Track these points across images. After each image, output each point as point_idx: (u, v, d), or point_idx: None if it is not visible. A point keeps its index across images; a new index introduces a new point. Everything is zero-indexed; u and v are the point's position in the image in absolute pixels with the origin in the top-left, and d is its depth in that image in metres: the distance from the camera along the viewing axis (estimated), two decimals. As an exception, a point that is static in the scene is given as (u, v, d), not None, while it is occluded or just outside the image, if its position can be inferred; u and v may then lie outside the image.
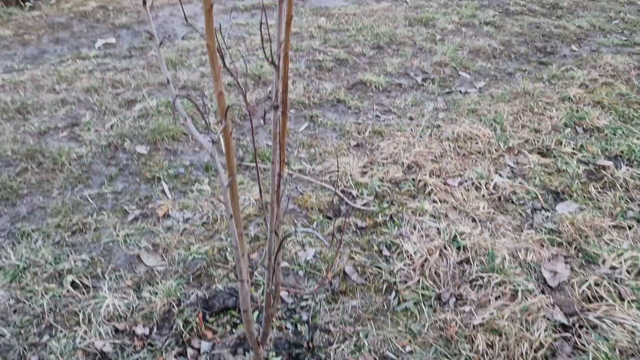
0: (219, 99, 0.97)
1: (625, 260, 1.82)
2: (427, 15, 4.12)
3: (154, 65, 3.26)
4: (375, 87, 3.10)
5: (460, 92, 3.10)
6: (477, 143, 2.51)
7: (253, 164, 2.42)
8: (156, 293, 1.71)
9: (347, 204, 2.17)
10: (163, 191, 2.26)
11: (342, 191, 2.24)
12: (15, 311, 1.68)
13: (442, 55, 3.47)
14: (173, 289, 1.72)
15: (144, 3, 0.89)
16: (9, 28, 3.75)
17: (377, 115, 2.83)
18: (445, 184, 2.25)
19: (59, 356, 1.52)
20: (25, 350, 1.54)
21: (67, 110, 2.75)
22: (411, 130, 2.65)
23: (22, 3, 4.23)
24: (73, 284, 1.78)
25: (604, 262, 1.83)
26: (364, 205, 2.16)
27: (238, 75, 3.12)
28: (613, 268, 1.81)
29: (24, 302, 1.71)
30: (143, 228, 2.03)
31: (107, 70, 3.18)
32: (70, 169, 2.33)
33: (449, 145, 2.49)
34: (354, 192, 2.22)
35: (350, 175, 2.30)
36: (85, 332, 1.60)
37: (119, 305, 1.67)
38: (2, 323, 1.63)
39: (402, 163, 2.38)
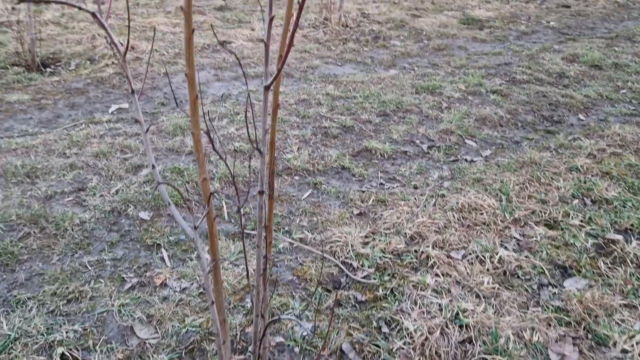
0: (203, 185, 0.99)
1: (637, 343, 1.74)
2: (434, 83, 4.22)
3: (164, 130, 3.35)
4: (381, 154, 3.14)
5: (466, 160, 3.12)
6: (482, 214, 2.49)
7: (254, 232, 2.42)
8: (145, 369, 1.67)
9: (347, 275, 2.14)
10: (162, 258, 2.26)
11: (343, 262, 2.22)
12: (0, 385, 1.64)
13: (448, 123, 3.53)
14: (163, 365, 1.68)
15: (132, 92, 0.93)
16: (27, 93, 3.92)
17: (381, 183, 2.85)
18: (448, 256, 2.21)
19: None
20: None
21: (74, 175, 2.81)
22: (415, 199, 2.64)
23: (42, 69, 4.43)
24: (63, 356, 1.75)
25: (614, 344, 1.76)
26: (365, 277, 2.13)
27: (247, 141, 3.18)
28: (625, 351, 1.73)
29: (10, 376, 1.67)
30: (139, 297, 2.01)
31: (117, 135, 3.27)
32: (72, 235, 2.35)
33: (453, 216, 2.47)
34: (355, 264, 2.19)
35: (352, 245, 2.28)
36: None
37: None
38: (-14, 398, 1.60)
39: (405, 234, 2.36)
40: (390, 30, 5.73)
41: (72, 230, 2.39)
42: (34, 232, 2.36)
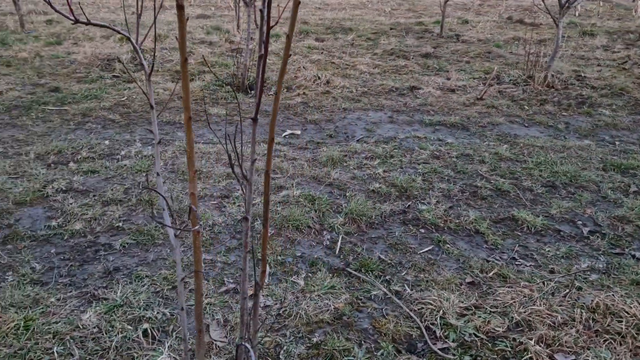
0: (192, 199, 1.09)
1: None
2: (632, 162, 3.65)
3: (316, 160, 3.60)
4: (528, 227, 2.85)
5: (634, 257, 2.63)
6: (620, 322, 2.08)
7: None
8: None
9: (426, 342, 2.01)
10: (264, 272, 2.43)
11: (427, 327, 2.09)
12: (93, 339, 1.99)
13: (629, 210, 3.02)
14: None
15: (152, 107, 1.08)
16: (226, 109, 4.61)
17: (513, 258, 2.59)
18: (551, 357, 1.91)
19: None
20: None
21: (227, 183, 3.22)
22: (543, 284, 2.34)
23: (248, 91, 5.16)
24: (145, 331, 2.03)
25: None
26: (443, 350, 1.97)
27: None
28: None
29: (102, 333, 2.01)
30: (227, 302, 2.21)
31: (278, 157, 3.63)
32: (202, 233, 2.70)
33: (581, 315, 2.12)
34: (439, 332, 2.05)
35: (445, 313, 2.13)
36: (128, 378, 1.80)
37: (161, 364, 1.83)
38: (80, 345, 1.95)
39: (512, 318, 2.11)
40: (602, 97, 5.14)
41: (204, 229, 2.74)
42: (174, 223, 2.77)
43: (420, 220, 2.90)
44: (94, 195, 3.03)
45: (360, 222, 2.86)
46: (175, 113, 4.46)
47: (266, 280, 2.40)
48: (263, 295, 2.29)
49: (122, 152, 3.64)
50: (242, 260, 1.15)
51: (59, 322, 2.06)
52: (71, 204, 2.93)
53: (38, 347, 1.92)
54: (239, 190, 3.15)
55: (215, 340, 2.04)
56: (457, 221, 2.88)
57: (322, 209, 2.97)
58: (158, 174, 1.21)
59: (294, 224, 2.81)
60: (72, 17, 1.02)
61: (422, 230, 2.81)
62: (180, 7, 0.88)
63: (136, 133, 3.99)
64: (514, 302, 2.21)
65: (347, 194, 3.15)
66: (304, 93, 5.11)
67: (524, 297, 2.24)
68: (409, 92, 5.21)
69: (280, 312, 2.18)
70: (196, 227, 1.15)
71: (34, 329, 2.01)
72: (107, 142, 3.81)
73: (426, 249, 2.65)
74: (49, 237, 2.64)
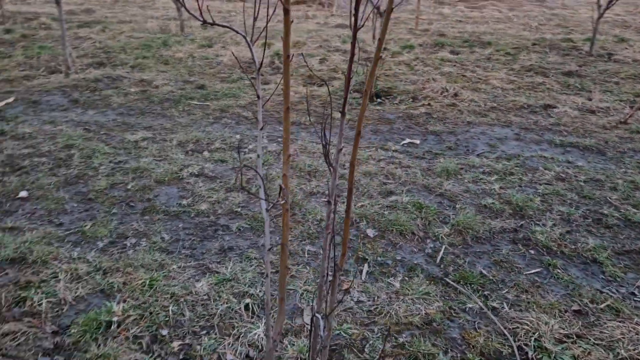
0: (284, 179, 1.23)
1: None
2: None
3: (431, 170, 3.61)
4: (657, 263, 2.61)
5: None
6: None
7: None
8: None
9: (515, 362, 1.96)
10: (361, 271, 2.54)
11: (519, 347, 2.03)
12: (202, 304, 2.25)
13: None
14: None
15: (258, 97, 1.24)
16: (350, 114, 4.79)
17: (632, 292, 2.39)
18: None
19: (202, 354, 1.98)
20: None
21: (339, 184, 3.37)
22: (662, 324, 2.14)
23: (374, 98, 5.31)
24: (247, 306, 2.24)
25: None
26: (533, 372, 1.91)
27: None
28: None
29: (210, 301, 2.26)
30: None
31: (392, 163, 3.71)
32: (310, 227, 2.88)
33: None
34: (531, 354, 1.98)
35: (541, 336, 2.06)
36: (228, 344, 2.02)
37: (257, 347, 2.03)
38: (190, 308, 2.21)
39: (617, 353, 1.98)
40: None
41: (311, 223, 2.92)
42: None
43: (532, 240, 2.79)
44: (220, 182, 3.37)
45: (466, 235, 2.84)
46: (302, 115, 4.75)
47: (363, 278, 2.50)
48: (357, 291, 2.39)
49: (250, 146, 3.98)
50: (324, 246, 1.28)
51: (177, 285, 2.35)
52: (200, 187, 3.29)
53: (157, 304, 2.22)
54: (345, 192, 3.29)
55: (306, 324, 2.18)
56: (572, 247, 2.73)
57: (429, 217, 3.00)
58: (259, 156, 1.38)
59: (399, 229, 2.87)
60: (201, 18, 1.22)
61: (532, 252, 2.71)
62: (286, 12, 1.03)
63: (264, 130, 4.33)
64: (623, 337, 2.06)
65: (457, 206, 3.13)
66: (429, 104, 5.12)
67: (637, 334, 2.08)
68: (541, 110, 4.97)
69: (372, 309, 2.27)
70: (281, 202, 1.29)
71: (156, 288, 2.32)
72: (238, 136, 4.19)
73: (533, 271, 2.55)
74: (178, 214, 3.00)
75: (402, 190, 3.31)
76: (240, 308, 2.22)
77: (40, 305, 2.20)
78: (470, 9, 13.20)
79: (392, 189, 3.33)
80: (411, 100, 5.27)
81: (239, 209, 3.06)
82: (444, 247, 2.75)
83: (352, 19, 1.09)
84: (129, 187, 3.27)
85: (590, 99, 5.29)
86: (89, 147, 3.80)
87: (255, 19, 1.28)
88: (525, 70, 6.56)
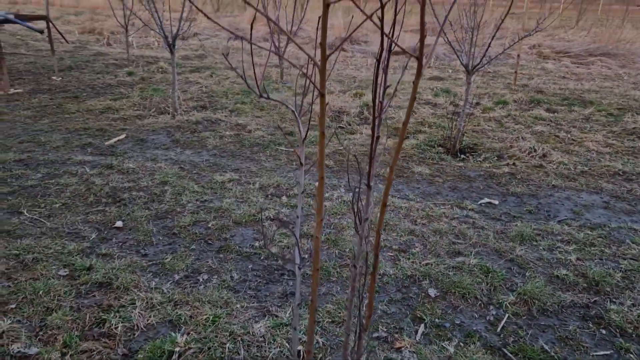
0: (315, 242, 1.34)
1: None
2: None
3: (505, 233, 3.53)
4: None
5: None
6: None
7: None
8: None
9: None
10: (417, 331, 2.55)
11: None
12: (257, 345, 2.37)
13: None
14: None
15: (301, 165, 1.38)
16: (431, 169, 4.82)
17: None
18: None
19: None
20: None
21: (407, 239, 3.41)
22: None
23: (458, 154, 5.29)
24: (298, 353, 2.33)
25: None
26: None
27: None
28: None
29: (265, 343, 2.38)
30: (375, 346, 2.39)
31: (465, 223, 3.68)
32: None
33: None
34: None
35: None
36: None
37: None
38: (246, 348, 2.35)
39: None
40: None
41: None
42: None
43: (604, 319, 2.64)
44: (292, 226, 3.55)
45: (532, 306, 2.75)
46: (381, 166, 4.85)
47: (417, 338, 2.50)
48: (409, 351, 2.40)
49: (326, 194, 4.14)
50: (348, 306, 1.35)
51: (237, 324, 2.51)
52: (274, 230, 3.48)
53: (216, 339, 2.39)
54: (417, 247, 3.31)
55: None
56: (650, 330, 2.54)
57: (495, 283, 2.93)
58: (298, 217, 1.51)
59: (461, 292, 2.85)
60: (258, 92, 1.39)
61: (604, 331, 2.56)
62: (322, 96, 1.16)
63: (343, 179, 4.48)
64: None
65: (527, 274, 3.04)
66: (513, 164, 5.01)
67: None
68: (638, 178, 4.67)
69: (420, 371, 2.27)
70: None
71: (218, 324, 2.49)
72: (316, 183, 4.38)
73: (602, 353, 2.41)
74: (250, 255, 3.20)
75: (471, 252, 3.27)
76: (292, 354, 2.32)
77: (116, 328, 2.45)
78: (577, 64, 12.73)
79: (461, 249, 3.31)
80: (496, 158, 5.19)
81: (306, 256, 3.20)
82: (506, 315, 2.68)
83: (374, 94, 1.20)
84: (209, 225, 3.54)
85: (698, 169, 4.89)
86: (181, 185, 4.17)
87: (304, 94, 1.43)
88: (627, 133, 6.21)
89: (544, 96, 8.28)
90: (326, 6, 1.04)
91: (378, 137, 1.30)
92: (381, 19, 1.00)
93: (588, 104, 7.80)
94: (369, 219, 1.47)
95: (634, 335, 2.53)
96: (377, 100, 1.19)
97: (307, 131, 1.48)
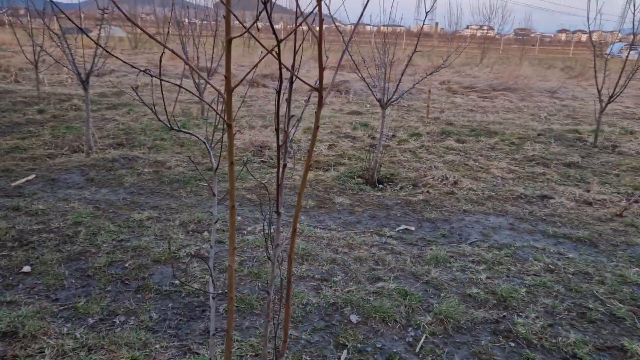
0: (229, 270, 1.35)
1: None
2: None
3: (421, 257, 3.69)
4: (638, 361, 2.58)
5: None
6: None
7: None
8: None
9: None
10: (339, 358, 2.57)
11: None
12: None
13: None
14: None
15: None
16: (351, 199, 4.96)
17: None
18: None
19: None
20: None
21: (329, 268, 3.46)
22: None
23: (376, 184, 5.48)
24: None
25: None
26: None
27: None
28: None
29: None
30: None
31: (384, 249, 3.80)
32: (295, 311, 2.95)
33: None
34: None
35: None
36: None
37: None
38: None
39: None
40: None
41: (297, 307, 2.98)
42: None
43: (513, 333, 2.80)
44: (215, 262, 3.49)
45: (447, 325, 2.87)
46: (307, 198, 4.92)
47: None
48: (332, 378, 2.42)
49: (249, 228, 4.12)
50: (264, 333, 1.36)
51: (156, 365, 2.41)
52: (194, 267, 3.42)
53: (134, 383, 2.28)
54: (339, 275, 3.37)
55: None
56: (553, 341, 2.73)
57: (413, 305, 3.04)
58: (211, 247, 1.52)
59: (382, 316, 2.92)
60: (169, 125, 1.41)
61: (512, 344, 2.71)
62: (229, 126, 1.20)
63: (266, 212, 4.49)
64: None
65: (442, 295, 3.17)
66: (427, 191, 5.26)
67: None
68: (538, 201, 5.06)
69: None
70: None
71: (135, 366, 2.39)
72: (239, 217, 4.36)
73: (511, 364, 2.55)
74: (170, 293, 3.11)
75: (390, 277, 3.37)
76: (213, 390, 2.26)
77: (22, 379, 2.28)
78: (483, 98, 13.68)
79: (381, 275, 3.40)
80: (412, 187, 5.42)
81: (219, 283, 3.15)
82: (424, 336, 2.77)
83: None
84: (126, 264, 3.41)
85: (588, 191, 5.38)
86: (96, 225, 3.99)
87: (215, 127, 1.46)
88: (527, 160, 6.73)
89: (454, 128, 8.81)
90: (228, 42, 1.09)
91: (285, 166, 1.35)
92: (278, 53, 1.06)
93: (493, 134, 8.38)
94: (279, 245, 1.51)
95: (538, 346, 2.70)
96: (279, 130, 1.24)
97: (219, 162, 1.50)
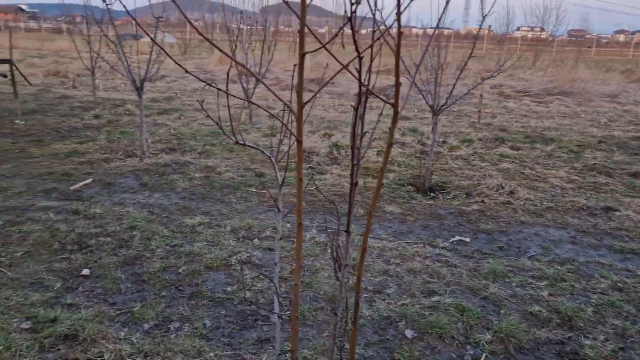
0: (294, 288, 1.32)
1: None
2: None
3: (478, 271, 3.57)
4: None
5: None
6: None
7: None
8: None
9: None
10: (395, 375, 2.51)
11: None
12: None
13: None
14: None
15: (279, 210, 1.38)
16: (401, 208, 4.87)
17: None
18: None
19: None
20: None
21: (382, 279, 3.40)
22: None
23: (427, 192, 5.37)
24: None
25: None
26: None
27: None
28: None
29: None
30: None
31: (438, 261, 3.71)
32: (348, 324, 2.91)
33: None
34: None
35: None
36: None
37: None
38: None
39: None
40: None
41: (347, 317, 2.94)
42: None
43: (580, 355, 2.66)
44: (266, 270, 3.50)
45: (508, 344, 2.76)
46: (356, 205, 4.87)
47: (396, 382, 2.46)
48: (389, 396, 2.36)
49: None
50: (329, 356, 1.33)
51: (211, 374, 2.43)
52: (247, 274, 3.43)
53: (189, 392, 2.29)
54: (392, 287, 3.31)
55: None
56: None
57: (471, 321, 2.94)
58: (276, 264, 1.49)
59: (438, 332, 2.84)
60: (234, 139, 1.40)
61: (577, 367, 2.58)
62: (299, 142, 1.17)
63: (315, 221, 4.47)
64: None
65: (502, 312, 3.06)
66: (482, 201, 5.11)
67: None
68: (602, 213, 4.82)
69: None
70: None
71: (190, 375, 2.40)
72: (288, 225, 4.36)
73: None
74: (222, 300, 3.13)
75: (446, 291, 3.28)
76: (268, 403, 2.25)
77: (82, 383, 2.33)
78: (537, 103, 13.25)
79: (436, 288, 3.32)
80: (465, 196, 5.29)
81: (281, 299, 3.15)
82: (484, 355, 2.68)
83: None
84: (180, 270, 3.46)
85: (657, 203, 5.09)
86: (150, 229, 4.08)
87: (280, 141, 1.44)
88: (588, 169, 6.44)
89: (507, 134, 8.55)
90: (301, 56, 1.07)
91: (356, 184, 1.31)
92: (359, 70, 1.03)
93: (549, 141, 8.09)
94: (348, 265, 1.47)
95: (609, 371, 2.56)
96: (355, 148, 1.21)
97: (284, 177, 1.49)
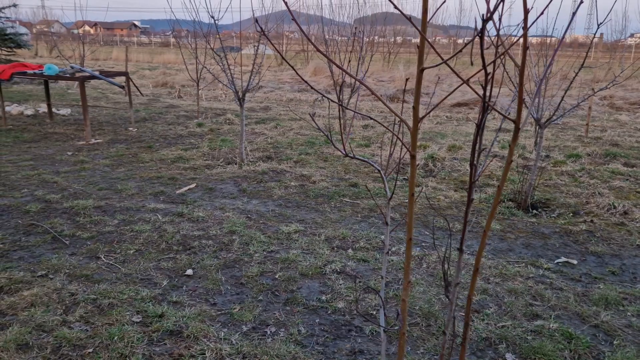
0: (402, 305, 1.31)
1: None
2: None
3: (587, 296, 3.33)
4: None
5: None
6: None
7: None
8: None
9: None
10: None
11: None
12: None
13: None
14: None
15: (386, 224, 1.38)
16: (500, 224, 4.68)
17: None
18: None
19: None
20: None
21: (482, 298, 3.28)
22: None
23: (529, 209, 5.11)
24: None
25: None
26: None
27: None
28: None
29: None
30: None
31: (542, 283, 3.50)
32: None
33: None
34: None
35: None
36: None
37: None
38: None
39: None
40: None
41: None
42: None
43: None
44: (359, 281, 3.51)
45: None
46: (453, 220, 4.75)
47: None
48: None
49: (393, 248, 4.08)
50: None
51: (306, 381, 2.46)
52: (340, 284, 3.46)
53: (285, 397, 2.35)
54: (491, 307, 3.18)
55: None
56: None
57: (580, 350, 2.75)
58: (382, 277, 1.49)
59: (542, 358, 2.68)
60: (344, 152, 1.42)
61: None
62: (412, 157, 1.17)
63: (434, 243, 4.41)
64: None
65: (615, 342, 2.83)
66: (591, 221, 4.77)
67: None
68: None
69: None
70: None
71: (286, 380, 2.46)
72: (382, 236, 4.34)
73: None
74: (317, 309, 3.17)
75: (551, 315, 3.10)
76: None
77: (187, 378, 2.47)
78: (654, 115, 12.17)
79: (539, 312, 3.14)
80: (571, 214, 4.97)
81: (374, 312, 3.14)
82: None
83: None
84: (276, 276, 3.56)
85: None
86: (248, 235, 4.24)
87: (390, 154, 1.44)
88: None
89: (620, 149, 7.94)
90: (420, 71, 1.06)
91: (472, 200, 1.28)
92: (484, 87, 1.01)
93: (670, 158, 7.39)
94: (458, 284, 1.44)
95: None
96: (474, 166, 1.19)
97: (394, 191, 1.49)
